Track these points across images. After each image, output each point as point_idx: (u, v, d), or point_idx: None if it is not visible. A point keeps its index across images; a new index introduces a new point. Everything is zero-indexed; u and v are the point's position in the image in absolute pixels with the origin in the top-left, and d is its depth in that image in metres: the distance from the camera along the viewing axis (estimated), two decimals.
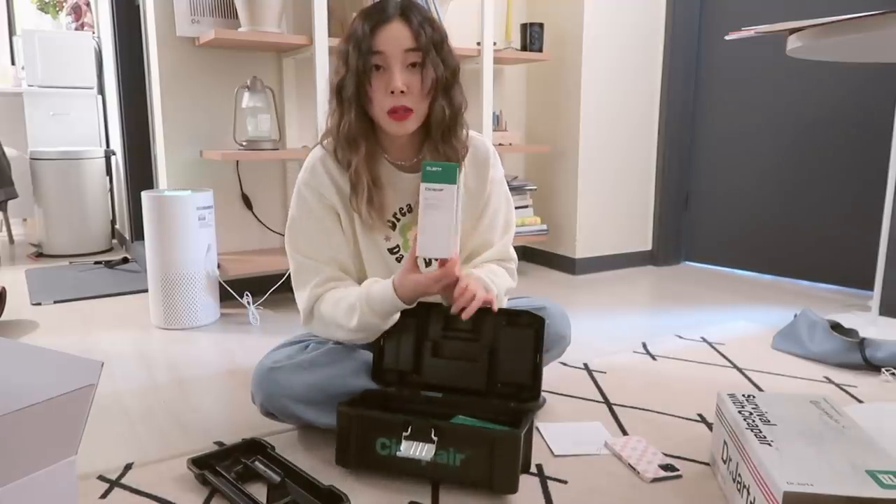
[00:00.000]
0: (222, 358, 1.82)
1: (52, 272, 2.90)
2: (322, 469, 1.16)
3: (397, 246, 1.28)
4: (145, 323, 2.13)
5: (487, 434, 1.07)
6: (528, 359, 1.20)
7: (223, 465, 1.15)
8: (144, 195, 2.05)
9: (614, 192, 2.91)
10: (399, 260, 1.28)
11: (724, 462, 1.11)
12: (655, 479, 1.15)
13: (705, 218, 2.97)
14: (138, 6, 2.61)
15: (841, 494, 0.86)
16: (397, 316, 1.21)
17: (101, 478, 1.15)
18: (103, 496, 1.10)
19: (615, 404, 1.48)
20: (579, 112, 2.75)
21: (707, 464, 1.21)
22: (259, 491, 1.09)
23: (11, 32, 4.41)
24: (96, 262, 3.07)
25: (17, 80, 3.99)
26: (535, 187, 2.88)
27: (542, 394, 1.39)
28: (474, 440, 1.07)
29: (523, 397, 1.20)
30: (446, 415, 1.22)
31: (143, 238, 2.16)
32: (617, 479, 1.15)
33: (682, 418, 1.41)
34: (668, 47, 2.87)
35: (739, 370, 1.72)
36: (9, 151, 3.51)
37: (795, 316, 1.93)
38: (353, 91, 1.15)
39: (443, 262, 1.11)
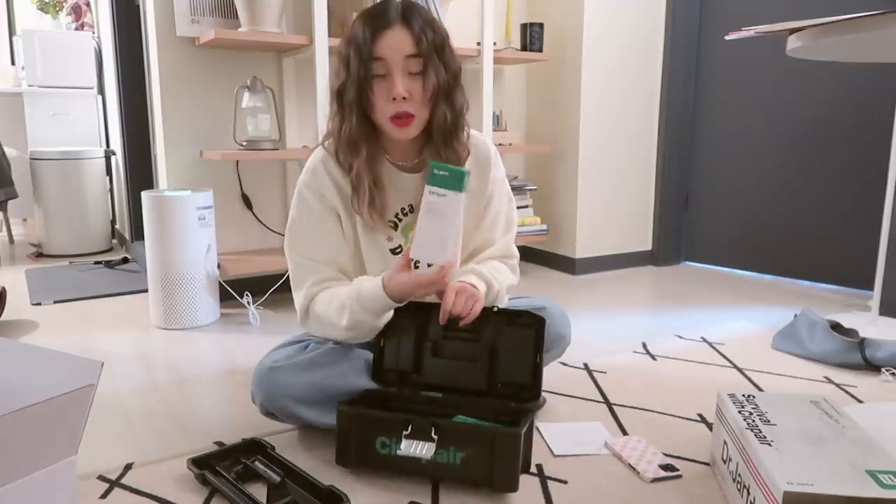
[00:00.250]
0: (222, 358, 1.82)
1: (52, 272, 2.90)
2: (322, 469, 1.16)
3: (399, 246, 1.28)
4: (145, 323, 2.13)
5: (488, 432, 1.07)
6: (528, 359, 1.20)
7: (223, 465, 1.15)
8: (144, 195, 2.05)
9: (614, 192, 2.91)
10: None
11: (724, 462, 1.11)
12: (655, 479, 1.15)
13: (705, 218, 2.97)
14: (138, 6, 2.61)
15: (841, 494, 0.86)
16: (390, 314, 1.21)
17: (101, 478, 1.15)
18: (103, 496, 1.10)
19: (615, 404, 1.48)
20: (579, 112, 2.75)
21: (707, 464, 1.21)
22: (259, 491, 1.09)
23: (11, 32, 4.41)
24: (96, 262, 3.07)
25: (17, 80, 3.99)
26: (535, 187, 2.88)
27: (543, 394, 1.39)
28: (474, 438, 1.07)
29: (523, 397, 1.20)
30: (446, 414, 1.22)
31: (143, 238, 2.16)
32: (617, 479, 1.15)
33: (682, 418, 1.41)
34: (668, 47, 2.87)
35: (739, 370, 1.72)
36: (9, 151, 3.51)
37: (795, 316, 1.93)
38: (355, 97, 1.15)
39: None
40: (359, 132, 1.18)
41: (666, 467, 1.18)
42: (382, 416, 1.12)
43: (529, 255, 3.09)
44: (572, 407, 1.47)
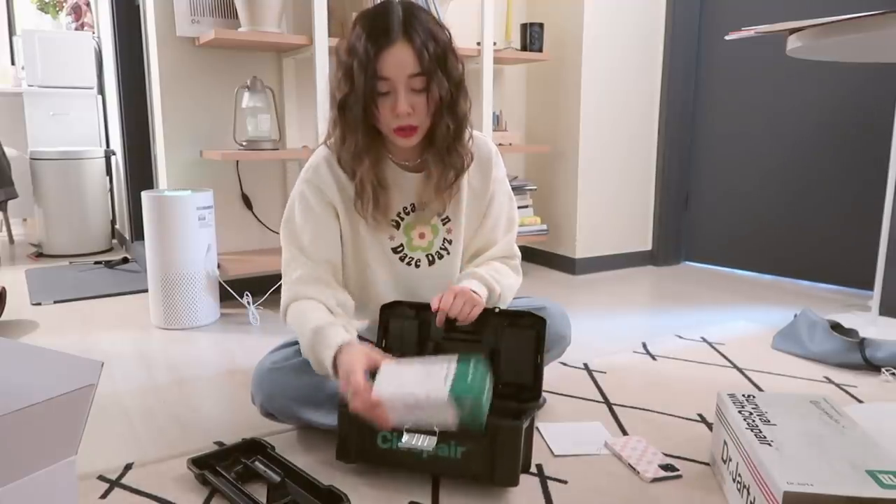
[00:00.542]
0: (222, 358, 1.82)
1: (52, 272, 2.90)
2: (322, 469, 1.16)
3: (401, 245, 1.28)
4: (145, 323, 2.13)
5: (488, 427, 1.07)
6: (529, 359, 1.20)
7: (223, 465, 1.15)
8: (144, 195, 2.05)
9: (614, 192, 2.91)
10: (402, 259, 1.28)
11: (724, 462, 1.11)
12: (655, 479, 1.15)
13: (705, 218, 2.97)
14: (138, 6, 2.61)
15: (841, 494, 0.86)
16: (326, 368, 1.13)
17: (101, 478, 1.15)
18: (103, 496, 1.10)
19: (615, 404, 1.48)
20: (579, 112, 2.75)
21: (707, 464, 1.21)
22: (259, 491, 1.08)
23: (11, 32, 4.41)
24: (96, 262, 3.07)
25: (17, 80, 3.99)
26: (535, 187, 2.88)
27: (543, 394, 1.39)
28: (475, 433, 1.07)
29: (524, 397, 1.20)
30: None
31: (143, 238, 2.16)
32: (617, 479, 1.15)
33: (682, 418, 1.41)
34: (668, 47, 2.87)
35: (739, 370, 1.72)
36: (9, 151, 3.51)
37: (795, 316, 1.93)
38: (360, 113, 1.14)
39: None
40: (363, 145, 1.17)
41: (666, 467, 1.18)
42: None
43: (529, 255, 3.09)
44: (572, 407, 1.47)
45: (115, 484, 1.13)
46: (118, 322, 2.15)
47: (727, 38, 1.53)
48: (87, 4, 4.05)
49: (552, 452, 1.24)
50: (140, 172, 3.10)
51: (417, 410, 0.97)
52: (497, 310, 1.22)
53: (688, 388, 1.59)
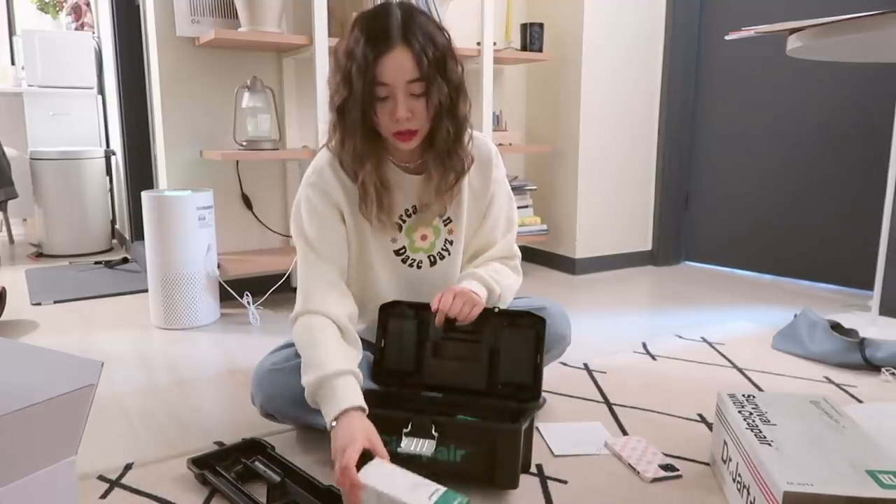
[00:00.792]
0: (222, 358, 1.82)
1: (52, 272, 2.90)
2: (322, 469, 1.16)
3: (403, 247, 1.28)
4: (145, 323, 2.13)
5: (488, 429, 1.07)
6: (528, 359, 1.20)
7: (223, 465, 1.15)
8: (144, 195, 2.05)
9: (614, 192, 2.91)
10: (405, 261, 1.28)
11: (724, 462, 1.11)
12: (655, 479, 1.15)
13: (705, 218, 2.97)
14: (138, 6, 2.61)
15: (841, 494, 0.86)
16: (325, 417, 1.09)
17: (101, 478, 1.15)
18: (103, 496, 1.10)
19: (615, 404, 1.48)
20: (579, 112, 2.75)
21: (707, 464, 1.21)
22: (259, 491, 1.08)
23: (11, 32, 4.41)
24: (96, 262, 3.07)
25: (17, 80, 3.99)
26: (535, 187, 2.88)
27: (543, 394, 1.39)
28: (475, 436, 1.07)
29: (524, 398, 1.20)
30: (447, 414, 1.21)
31: (143, 238, 2.16)
32: (617, 479, 1.15)
33: (682, 418, 1.41)
34: (668, 47, 2.87)
35: (739, 370, 1.72)
36: (9, 151, 3.51)
37: (795, 316, 1.93)
38: (359, 117, 1.13)
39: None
40: (363, 149, 1.17)
41: (666, 467, 1.18)
42: (382, 414, 1.12)
43: (529, 255, 3.09)
44: (572, 407, 1.47)
45: (115, 484, 1.13)
46: (118, 322, 2.15)
47: (727, 38, 1.53)
48: (87, 4, 4.05)
49: (552, 452, 1.24)
50: (140, 172, 3.10)
51: None
52: (496, 310, 1.22)
53: (688, 388, 1.59)
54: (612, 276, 2.85)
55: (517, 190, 2.78)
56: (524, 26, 2.70)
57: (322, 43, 2.12)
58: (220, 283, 2.18)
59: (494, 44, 2.51)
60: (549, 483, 1.14)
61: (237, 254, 2.38)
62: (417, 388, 1.24)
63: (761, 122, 2.71)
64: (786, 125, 2.64)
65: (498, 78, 2.87)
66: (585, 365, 1.72)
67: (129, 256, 3.15)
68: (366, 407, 1.06)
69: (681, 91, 2.90)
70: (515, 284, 1.33)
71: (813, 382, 1.64)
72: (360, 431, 1.02)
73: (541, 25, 2.70)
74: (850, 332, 1.78)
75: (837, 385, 1.62)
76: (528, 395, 1.20)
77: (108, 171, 3.62)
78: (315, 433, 1.28)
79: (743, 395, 1.17)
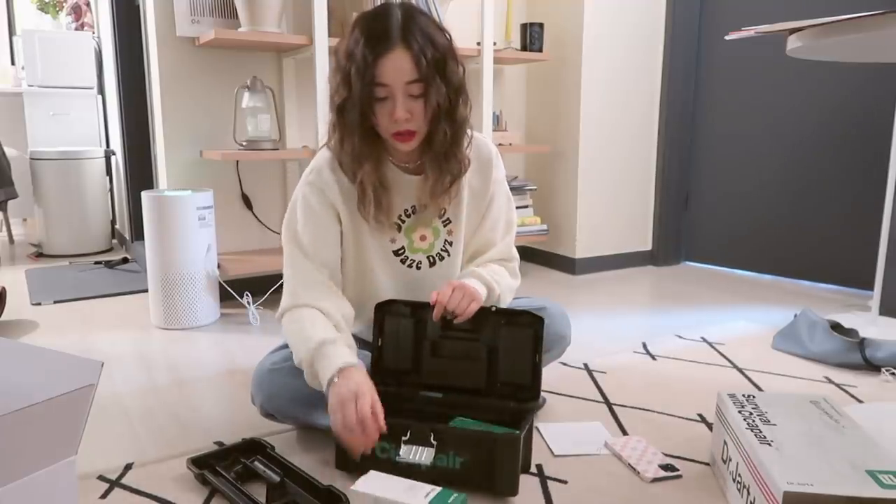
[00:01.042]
0: (222, 358, 1.82)
1: (52, 272, 2.90)
2: (321, 469, 1.16)
3: (402, 247, 1.28)
4: (145, 323, 2.13)
5: (486, 437, 1.06)
6: (527, 359, 1.19)
7: (223, 465, 1.15)
8: (144, 195, 2.05)
9: (614, 192, 2.91)
10: (404, 261, 1.28)
11: (724, 462, 1.11)
12: (655, 479, 1.15)
13: (705, 218, 2.97)
14: (138, 6, 2.61)
15: (841, 494, 0.86)
16: (322, 384, 1.12)
17: (101, 478, 1.15)
18: (103, 496, 1.10)
19: (615, 404, 1.48)
20: (579, 112, 2.75)
21: (707, 464, 1.21)
22: (259, 491, 1.08)
23: (11, 32, 4.41)
24: (96, 262, 3.07)
25: (17, 80, 3.99)
26: (535, 187, 2.88)
27: (542, 394, 1.39)
28: (473, 443, 1.07)
29: (523, 397, 1.20)
30: (446, 415, 1.22)
31: (143, 238, 2.16)
32: (617, 479, 1.15)
33: (682, 418, 1.41)
34: (668, 47, 2.87)
35: (739, 370, 1.72)
36: (9, 151, 3.51)
37: (795, 316, 1.93)
38: (358, 118, 1.13)
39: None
40: (361, 149, 1.17)
41: (666, 467, 1.18)
42: None
43: (529, 255, 3.09)
44: (572, 407, 1.47)
45: (115, 484, 1.13)
46: (118, 322, 2.15)
47: (727, 38, 1.53)
48: (87, 4, 4.05)
49: (552, 452, 1.24)
50: (140, 172, 3.10)
51: None
52: (494, 308, 1.22)
53: (688, 388, 1.59)
54: (612, 276, 2.85)
55: (517, 190, 2.78)
56: (524, 26, 2.70)
57: (322, 43, 2.12)
58: (220, 283, 2.18)
59: (494, 44, 2.51)
60: (549, 483, 1.14)
61: (237, 254, 2.38)
62: (416, 387, 1.24)
63: (761, 122, 2.71)
64: (786, 125, 2.64)
65: (498, 78, 2.87)
66: (585, 365, 1.72)
67: (129, 256, 3.15)
68: (363, 368, 1.07)
69: (681, 91, 2.90)
70: (514, 286, 1.34)
71: (813, 382, 1.64)
72: (364, 384, 1.04)
73: (541, 25, 2.70)
74: (850, 332, 1.78)
75: (837, 385, 1.62)
76: (527, 394, 1.19)
77: (108, 171, 3.62)
78: (315, 433, 1.28)
79: (743, 395, 1.17)
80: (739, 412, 1.10)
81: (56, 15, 4.20)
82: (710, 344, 1.92)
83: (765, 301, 2.42)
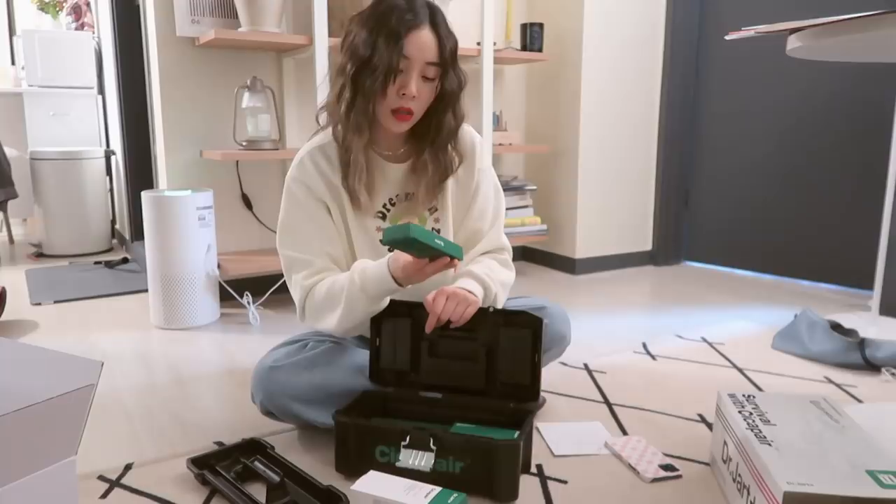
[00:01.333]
0: (222, 358, 1.82)
1: (52, 272, 2.90)
2: (321, 469, 1.16)
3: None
4: (145, 323, 2.13)
5: (486, 443, 1.06)
6: (526, 359, 1.19)
7: (223, 465, 1.15)
8: (144, 195, 2.05)
9: (614, 192, 2.91)
10: (391, 250, 1.28)
11: (724, 462, 1.11)
12: (655, 479, 1.15)
13: (705, 218, 2.97)
14: (138, 6, 2.61)
15: (841, 494, 0.86)
16: (386, 301, 1.20)
17: (101, 478, 1.15)
18: (103, 496, 1.10)
19: (615, 404, 1.48)
20: (579, 112, 2.75)
21: (707, 464, 1.21)
22: (258, 491, 1.08)
23: (11, 32, 4.41)
24: (96, 262, 3.07)
25: (17, 80, 3.99)
26: (535, 187, 2.88)
27: (542, 394, 1.39)
28: (473, 449, 1.06)
29: (523, 397, 1.19)
30: (446, 417, 1.21)
31: (143, 238, 2.16)
32: (617, 479, 1.15)
33: (682, 418, 1.41)
34: (668, 47, 2.87)
35: (739, 370, 1.72)
36: (9, 151, 3.51)
37: (795, 316, 1.93)
38: (379, 85, 1.14)
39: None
40: (364, 118, 1.18)
41: (666, 467, 1.18)
42: (380, 427, 1.11)
43: (529, 255, 3.09)
44: (572, 407, 1.47)
45: (115, 484, 1.13)
46: (118, 322, 2.15)
47: (727, 38, 1.53)
48: (87, 4, 4.05)
49: (552, 452, 1.24)
50: (140, 172, 3.10)
51: None
52: (492, 309, 1.22)
53: (688, 388, 1.59)
54: (612, 276, 2.85)
55: (517, 190, 2.78)
56: (524, 26, 2.70)
57: (322, 43, 2.12)
58: (220, 283, 2.18)
59: (494, 44, 2.51)
60: (549, 483, 1.14)
61: (237, 254, 2.38)
62: (415, 387, 1.24)
63: (761, 123, 2.71)
64: (786, 125, 2.64)
65: (498, 78, 2.87)
66: (585, 365, 1.72)
67: (129, 256, 3.15)
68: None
69: (681, 91, 2.90)
70: (509, 280, 1.33)
71: (813, 382, 1.64)
72: (402, 255, 1.10)
73: (541, 25, 2.71)
74: (850, 332, 1.78)
75: (837, 385, 1.62)
76: (526, 395, 1.19)
77: (108, 171, 3.62)
78: (315, 433, 1.28)
79: (743, 395, 1.17)
80: (739, 412, 1.10)
81: (56, 15, 4.20)
82: (710, 344, 1.92)
83: (765, 301, 2.42)
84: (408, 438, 1.08)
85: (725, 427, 1.12)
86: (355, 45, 1.16)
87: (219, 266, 2.18)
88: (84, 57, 3.73)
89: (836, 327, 1.81)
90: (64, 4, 4.13)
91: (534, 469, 1.18)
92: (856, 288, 2.52)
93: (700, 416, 1.43)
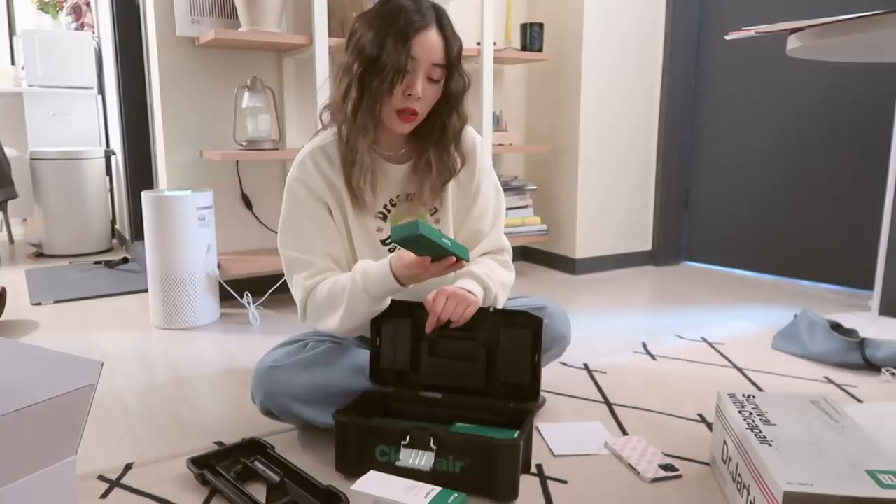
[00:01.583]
0: (222, 358, 1.82)
1: (52, 272, 2.90)
2: (321, 469, 1.16)
3: (389, 237, 1.28)
4: (145, 323, 2.13)
5: (486, 443, 1.06)
6: (526, 359, 1.19)
7: (223, 464, 1.15)
8: (144, 195, 2.05)
9: (614, 192, 2.91)
10: (392, 251, 1.28)
11: (724, 462, 1.11)
12: (655, 479, 1.15)
13: (705, 218, 2.97)
14: (138, 6, 2.61)
15: (841, 494, 0.86)
16: (387, 302, 1.21)
17: (101, 478, 1.15)
18: (103, 496, 1.10)
19: (615, 404, 1.48)
20: (579, 112, 2.75)
21: (707, 464, 1.21)
22: (258, 491, 1.09)
23: (11, 32, 4.41)
24: (96, 262, 3.07)
25: (17, 80, 3.99)
26: (535, 187, 2.88)
27: (542, 394, 1.39)
28: (473, 449, 1.06)
29: (523, 397, 1.19)
30: (446, 417, 1.21)
31: (143, 238, 2.16)
32: (617, 479, 1.15)
33: (682, 418, 1.41)
34: (668, 47, 2.87)
35: (739, 370, 1.72)
36: (9, 151, 3.51)
37: (795, 316, 1.93)
38: (387, 85, 1.14)
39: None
40: (370, 118, 1.18)
41: (666, 467, 1.18)
42: (380, 426, 1.11)
43: (529, 255, 3.09)
44: (572, 407, 1.47)
45: (115, 484, 1.13)
46: (118, 322, 2.15)
47: (727, 38, 1.53)
48: (87, 4, 4.05)
49: (552, 452, 1.24)
50: (140, 172, 3.10)
51: None
52: (491, 309, 1.22)
53: (688, 388, 1.59)
54: (612, 276, 2.85)
55: (517, 190, 2.78)
56: (524, 26, 2.70)
57: (322, 43, 2.12)
58: (220, 283, 2.18)
59: (494, 44, 2.51)
60: (549, 483, 1.14)
61: (237, 254, 2.38)
62: (415, 387, 1.24)
63: (761, 122, 2.71)
64: (786, 125, 2.64)
65: (498, 78, 2.87)
66: (585, 365, 1.72)
67: (129, 256, 3.15)
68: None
69: (681, 91, 2.90)
70: (509, 281, 1.33)
71: (813, 382, 1.64)
72: (405, 254, 1.11)
73: (541, 25, 2.71)
74: (850, 332, 1.78)
75: (837, 385, 1.62)
76: (526, 394, 1.19)
77: (108, 171, 3.62)
78: (315, 433, 1.28)
79: (743, 395, 1.17)
80: (739, 412, 1.10)
81: (56, 15, 4.20)
82: (710, 344, 1.92)
83: (765, 301, 2.42)
84: (408, 438, 1.09)
85: (725, 427, 1.12)
86: (362, 44, 1.15)
87: (219, 266, 2.18)
88: (84, 57, 3.73)
89: (836, 327, 1.81)
90: (64, 4, 4.13)
91: (534, 469, 1.18)
92: (856, 288, 2.52)
93: (700, 416, 1.43)
